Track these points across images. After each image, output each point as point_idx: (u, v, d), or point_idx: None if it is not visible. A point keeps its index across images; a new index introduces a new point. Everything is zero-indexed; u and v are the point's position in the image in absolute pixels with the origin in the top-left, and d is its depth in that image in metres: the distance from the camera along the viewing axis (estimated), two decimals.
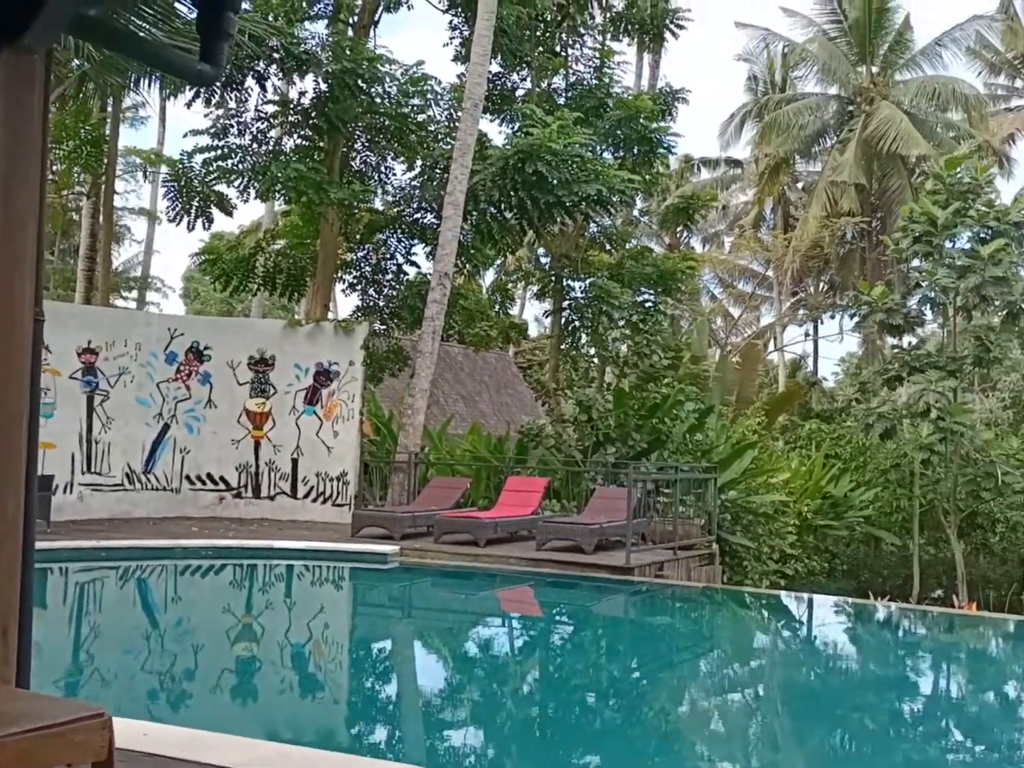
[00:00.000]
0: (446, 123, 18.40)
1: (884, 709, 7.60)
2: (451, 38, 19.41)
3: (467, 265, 19.69)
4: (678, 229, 32.65)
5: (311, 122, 17.71)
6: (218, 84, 16.73)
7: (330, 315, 20.16)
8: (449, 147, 17.24)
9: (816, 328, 42.14)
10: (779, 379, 40.36)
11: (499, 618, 11.60)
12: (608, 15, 21.26)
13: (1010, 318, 20.40)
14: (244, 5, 16.12)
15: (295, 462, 16.21)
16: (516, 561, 12.09)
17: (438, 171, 18.19)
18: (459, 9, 18.88)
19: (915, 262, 21.05)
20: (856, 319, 21.94)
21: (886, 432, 20.25)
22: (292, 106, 17.89)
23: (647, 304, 20.21)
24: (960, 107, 32.70)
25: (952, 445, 19.17)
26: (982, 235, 19.91)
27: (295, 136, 18.61)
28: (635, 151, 19.10)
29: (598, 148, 18.50)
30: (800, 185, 40.96)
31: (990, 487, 19.47)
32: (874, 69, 33.71)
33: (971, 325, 20.28)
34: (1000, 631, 11.53)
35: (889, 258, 26.22)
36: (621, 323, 19.47)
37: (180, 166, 17.69)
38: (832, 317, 40.94)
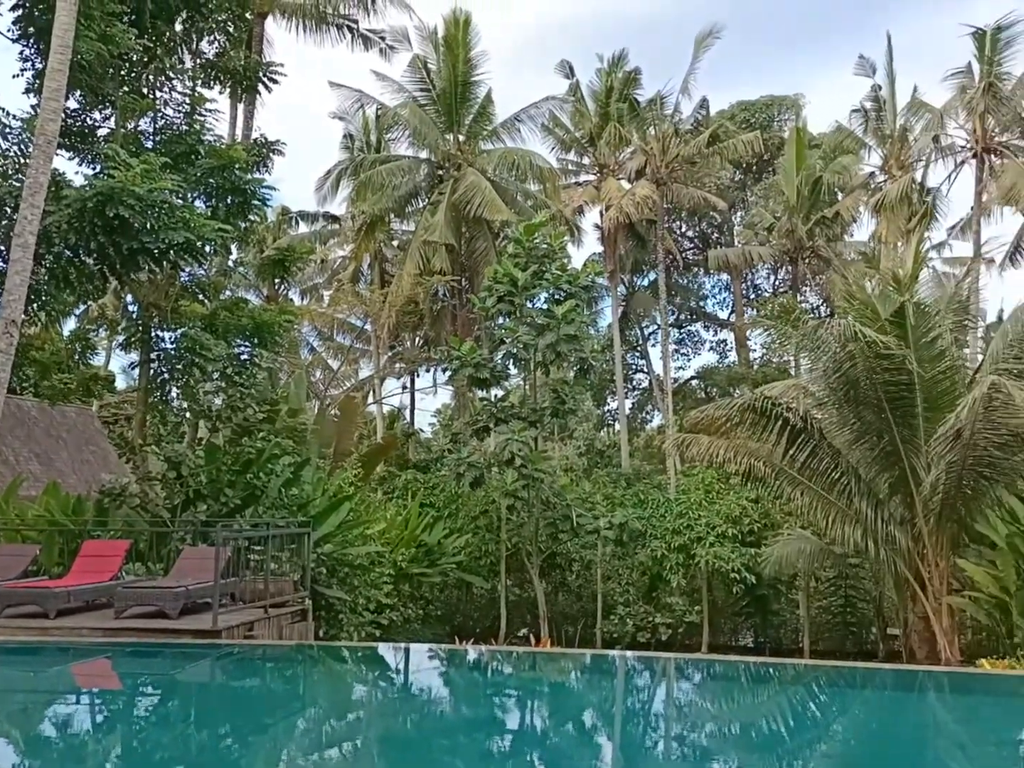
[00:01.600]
0: (16, 159, 16.94)
1: (474, 750, 7.86)
2: (22, 69, 17.91)
3: (41, 312, 18.16)
4: (276, 281, 32.41)
5: None
6: None
7: None
8: (19, 185, 15.86)
9: (413, 381, 43.69)
10: (378, 431, 41.18)
11: (70, 695, 10.58)
12: (199, 61, 20.75)
13: (582, 373, 22.43)
14: None
15: None
16: (91, 632, 11.19)
17: (7, 210, 16.65)
18: (31, 40, 17.51)
19: (500, 320, 22.51)
20: (448, 373, 22.97)
21: (476, 480, 21.34)
22: None
23: (243, 356, 19.74)
24: (536, 178, 35.59)
25: (534, 491, 20.57)
26: (557, 296, 21.75)
27: None
28: (229, 201, 18.68)
29: (189, 195, 17.89)
30: (396, 243, 42.40)
31: (567, 529, 21.10)
32: (461, 137, 35.73)
33: (549, 379, 21.95)
34: (578, 664, 12.44)
35: (477, 315, 27.81)
36: (215, 376, 18.87)
37: None
38: (427, 371, 42.71)
